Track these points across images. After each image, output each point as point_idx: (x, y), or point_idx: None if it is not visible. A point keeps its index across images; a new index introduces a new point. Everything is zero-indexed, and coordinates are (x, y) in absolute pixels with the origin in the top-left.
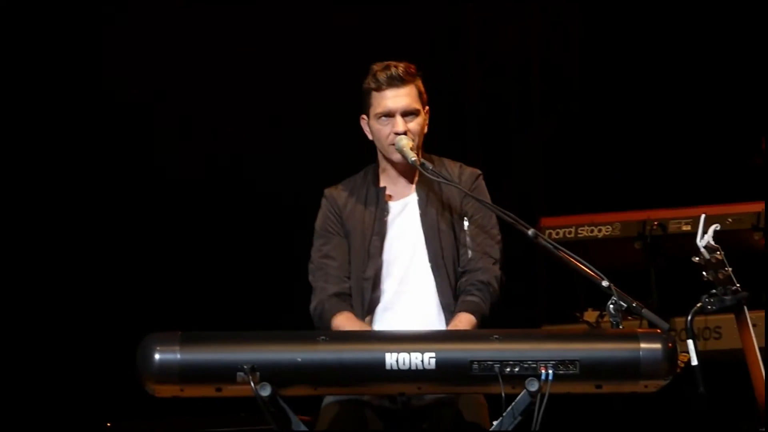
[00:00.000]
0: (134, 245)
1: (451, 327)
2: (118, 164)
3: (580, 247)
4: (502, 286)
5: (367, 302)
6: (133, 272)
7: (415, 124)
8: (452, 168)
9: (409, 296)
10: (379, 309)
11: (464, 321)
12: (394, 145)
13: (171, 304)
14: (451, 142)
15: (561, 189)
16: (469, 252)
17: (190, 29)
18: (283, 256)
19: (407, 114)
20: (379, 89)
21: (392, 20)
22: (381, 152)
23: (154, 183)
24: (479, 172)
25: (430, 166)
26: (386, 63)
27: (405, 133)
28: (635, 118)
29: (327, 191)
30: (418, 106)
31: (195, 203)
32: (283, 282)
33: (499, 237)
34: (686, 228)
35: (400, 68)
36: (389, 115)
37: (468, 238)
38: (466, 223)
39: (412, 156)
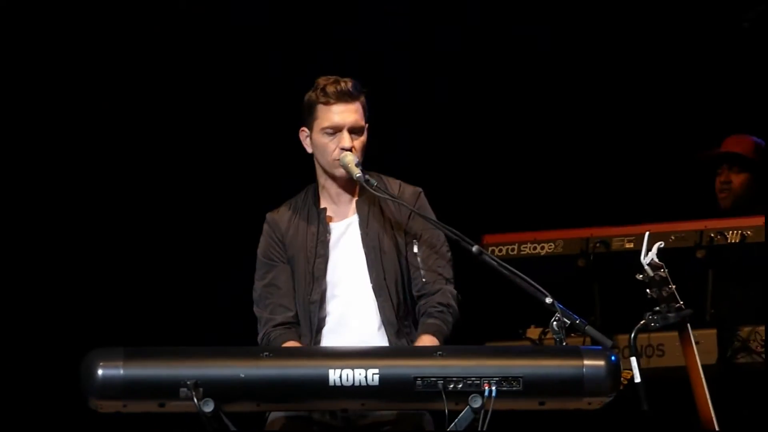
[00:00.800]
0: (77, 260)
1: None
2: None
3: (523, 264)
4: (459, 304)
5: (315, 325)
6: (76, 288)
7: (359, 142)
8: (392, 185)
9: (353, 319)
10: (326, 331)
11: (426, 343)
12: (338, 160)
13: (115, 319)
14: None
15: (503, 205)
16: (423, 276)
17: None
18: (231, 270)
19: (354, 131)
20: (327, 103)
21: None
22: (322, 167)
23: (89, 191)
24: (420, 189)
25: (373, 182)
26: (334, 78)
27: (351, 150)
28: (578, 133)
29: (269, 216)
30: (363, 123)
31: (139, 212)
32: (230, 296)
33: (449, 254)
34: (629, 245)
35: (349, 84)
36: (336, 129)
37: (419, 260)
38: (415, 247)
39: (357, 172)
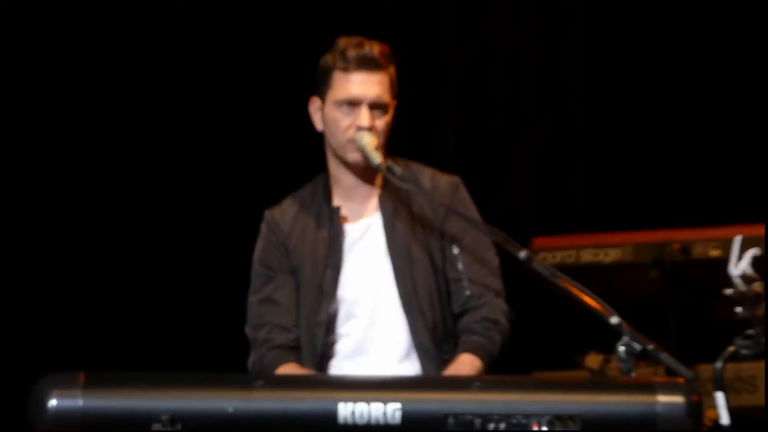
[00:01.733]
0: (27, 269)
1: (451, 371)
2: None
3: (582, 274)
4: (511, 322)
5: (319, 353)
6: (28, 301)
7: (382, 122)
8: (423, 175)
9: (375, 344)
10: (338, 360)
11: (467, 364)
12: (353, 141)
13: (73, 336)
14: (420, 144)
15: (558, 203)
16: (466, 288)
17: None
18: (215, 281)
19: (376, 107)
20: (345, 70)
21: None
22: (333, 149)
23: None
24: (458, 179)
25: (398, 170)
26: (358, 39)
27: (369, 129)
28: (650, 118)
29: (268, 214)
30: (388, 99)
31: (109, 209)
32: (215, 312)
33: (497, 261)
34: (715, 252)
35: (375, 49)
36: (353, 104)
37: (461, 269)
38: (455, 253)
39: (377, 157)
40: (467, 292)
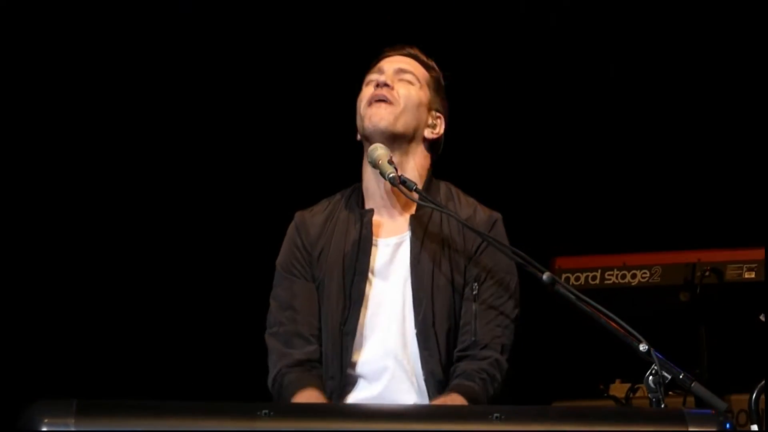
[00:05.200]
0: (21, 294)
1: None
2: None
3: (608, 297)
4: (505, 382)
5: (347, 364)
6: (21, 325)
7: (407, 88)
8: (465, 203)
9: (390, 376)
10: (358, 380)
11: (456, 402)
12: (373, 105)
13: (67, 361)
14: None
15: (583, 219)
16: (475, 332)
17: None
18: (218, 301)
19: (402, 73)
20: (379, 60)
21: None
22: (359, 131)
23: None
24: (498, 215)
25: (414, 184)
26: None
27: (385, 86)
28: (682, 135)
29: (298, 216)
30: (419, 75)
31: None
32: (217, 333)
33: (516, 312)
34: (749, 275)
35: (415, 48)
36: (378, 72)
37: (475, 311)
38: (475, 290)
39: (390, 170)
40: (474, 338)
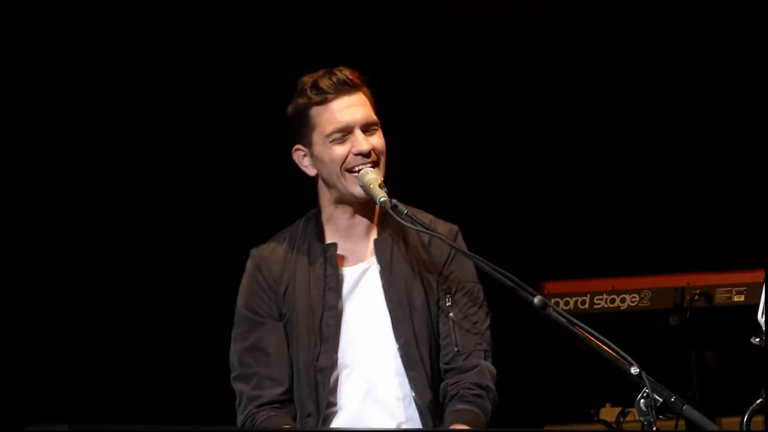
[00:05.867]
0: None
1: None
2: None
3: (597, 321)
4: (497, 385)
5: (324, 401)
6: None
7: (379, 141)
8: (421, 219)
9: (379, 403)
10: (339, 412)
11: None
12: (355, 172)
13: (58, 385)
14: (425, 179)
15: (571, 243)
16: (456, 343)
17: None
18: (212, 321)
19: (367, 128)
20: (324, 102)
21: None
22: (333, 189)
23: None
24: (456, 227)
25: (404, 209)
26: (324, 70)
27: (369, 155)
28: (669, 157)
29: (255, 253)
30: (375, 116)
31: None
32: (210, 354)
33: (489, 321)
34: (738, 299)
35: (345, 72)
36: (346, 131)
37: (452, 323)
38: (448, 302)
39: (381, 194)
40: (456, 348)
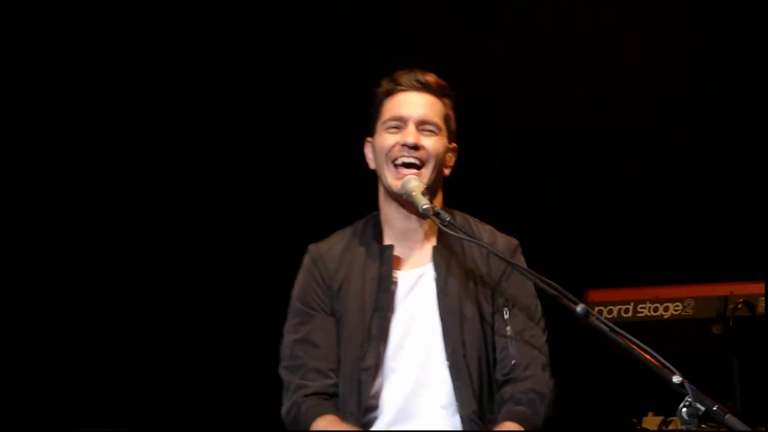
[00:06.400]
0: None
1: None
2: None
3: (640, 329)
4: (555, 395)
5: (365, 401)
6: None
7: (432, 143)
8: (482, 231)
9: (420, 405)
10: (380, 416)
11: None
12: (398, 166)
13: (68, 388)
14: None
15: (615, 252)
16: (513, 356)
17: None
18: (221, 328)
19: (425, 126)
20: (393, 92)
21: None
22: (380, 177)
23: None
24: (517, 242)
25: (446, 216)
26: (413, 68)
27: (415, 148)
28: (713, 167)
29: (313, 248)
30: (439, 122)
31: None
32: (218, 361)
33: (546, 336)
34: None
35: (428, 76)
36: (400, 121)
37: (510, 336)
38: (506, 314)
39: (423, 202)
40: (513, 361)
